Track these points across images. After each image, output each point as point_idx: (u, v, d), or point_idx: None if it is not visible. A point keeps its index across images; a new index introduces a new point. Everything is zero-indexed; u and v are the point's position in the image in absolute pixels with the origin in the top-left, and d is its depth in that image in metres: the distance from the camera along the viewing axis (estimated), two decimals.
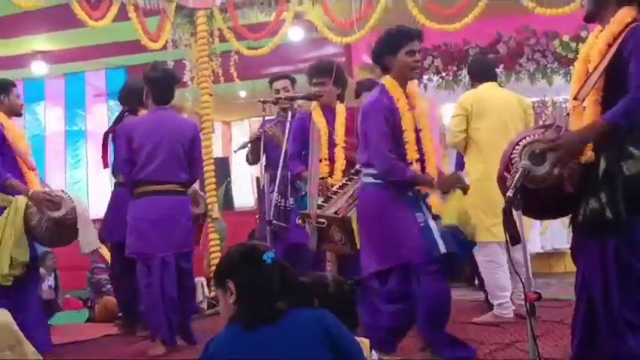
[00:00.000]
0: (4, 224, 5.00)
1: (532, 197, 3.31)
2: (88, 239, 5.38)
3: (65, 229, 5.16)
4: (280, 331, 2.34)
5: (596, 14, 3.55)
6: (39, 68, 9.71)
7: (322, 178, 5.10)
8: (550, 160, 3.31)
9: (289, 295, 2.42)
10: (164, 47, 7.80)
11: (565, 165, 3.35)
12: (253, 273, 2.42)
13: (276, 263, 2.44)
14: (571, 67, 8.79)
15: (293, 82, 6.21)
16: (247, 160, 6.36)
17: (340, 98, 5.42)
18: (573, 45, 8.62)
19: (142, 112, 5.81)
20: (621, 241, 3.33)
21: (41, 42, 9.44)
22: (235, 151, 6.44)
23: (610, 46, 3.39)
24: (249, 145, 6.06)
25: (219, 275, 2.49)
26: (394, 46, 4.31)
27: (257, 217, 4.70)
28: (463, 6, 7.23)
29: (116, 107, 8.46)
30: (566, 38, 8.68)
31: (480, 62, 6.16)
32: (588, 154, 3.38)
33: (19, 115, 5.65)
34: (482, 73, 5.74)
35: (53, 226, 5.10)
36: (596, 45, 3.48)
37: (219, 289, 2.48)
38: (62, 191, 5.32)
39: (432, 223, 4.07)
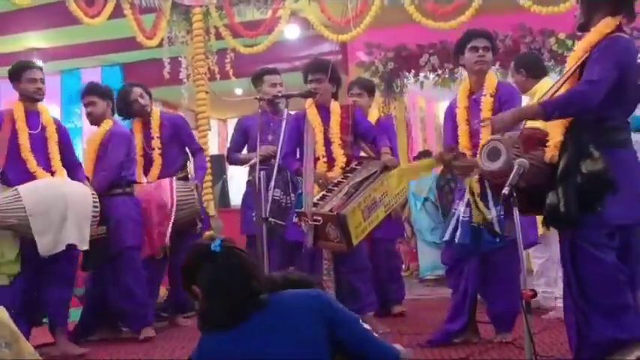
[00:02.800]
0: None
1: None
2: (56, 239, 4.92)
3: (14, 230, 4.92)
4: (270, 316, 2.32)
5: (586, 25, 3.63)
6: None
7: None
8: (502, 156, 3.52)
9: (264, 279, 2.41)
10: (160, 44, 7.81)
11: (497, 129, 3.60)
12: (209, 267, 2.38)
13: (227, 248, 2.40)
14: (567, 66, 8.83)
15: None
16: (230, 161, 6.41)
17: (335, 96, 5.42)
18: (569, 43, 8.64)
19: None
20: (575, 236, 3.46)
21: (37, 39, 9.43)
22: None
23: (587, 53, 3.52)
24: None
25: (185, 287, 2.47)
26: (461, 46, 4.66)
27: (253, 214, 4.69)
28: (459, 4, 7.24)
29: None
30: (562, 36, 8.69)
31: (535, 57, 6.14)
32: (552, 153, 3.51)
33: (35, 100, 5.24)
34: (540, 68, 5.72)
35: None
36: (575, 53, 3.62)
37: (196, 301, 2.47)
38: (15, 189, 4.90)
39: None
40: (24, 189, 4.89)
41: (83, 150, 5.69)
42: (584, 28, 3.63)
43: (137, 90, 6.02)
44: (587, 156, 3.39)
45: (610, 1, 3.53)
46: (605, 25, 3.50)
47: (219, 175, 10.91)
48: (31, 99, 5.22)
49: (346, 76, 8.59)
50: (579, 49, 3.57)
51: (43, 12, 8.11)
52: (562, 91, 3.56)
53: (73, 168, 5.39)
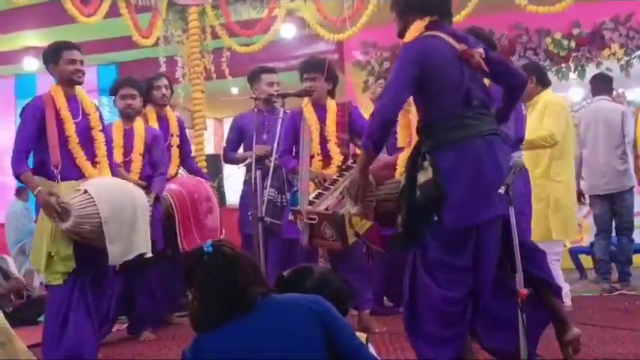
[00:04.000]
0: (41, 218, 4.50)
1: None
2: (126, 245, 4.51)
3: (85, 237, 4.38)
4: (266, 317, 2.32)
5: (403, 32, 3.57)
6: (30, 64, 9.66)
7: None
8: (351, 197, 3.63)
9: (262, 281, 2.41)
10: (156, 44, 7.81)
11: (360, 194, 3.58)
12: (200, 269, 2.38)
13: (218, 248, 2.39)
14: (563, 65, 8.84)
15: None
16: (226, 159, 6.40)
17: (331, 94, 5.42)
18: (565, 43, 8.66)
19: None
20: (416, 256, 3.45)
21: (33, 38, 9.40)
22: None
23: None
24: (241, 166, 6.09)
25: (189, 291, 2.50)
26: None
27: (249, 213, 4.69)
28: (455, 4, 7.22)
29: (107, 103, 8.44)
30: (557, 36, 8.71)
31: (543, 67, 6.23)
32: (400, 171, 3.59)
33: (75, 83, 4.61)
34: (547, 78, 5.85)
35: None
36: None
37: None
38: (85, 191, 4.35)
39: None
40: (95, 190, 4.35)
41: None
42: (401, 35, 3.57)
43: (165, 80, 6.11)
44: (420, 168, 3.39)
45: (416, 5, 3.51)
46: (414, 29, 3.47)
47: (215, 174, 10.90)
48: (70, 81, 4.58)
49: (343, 76, 8.59)
50: None
51: (39, 11, 8.10)
52: None
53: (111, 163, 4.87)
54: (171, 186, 5.87)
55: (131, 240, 4.48)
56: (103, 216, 4.27)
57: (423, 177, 3.36)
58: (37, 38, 9.45)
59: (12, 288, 6.96)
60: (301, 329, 2.29)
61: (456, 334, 3.37)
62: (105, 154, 4.65)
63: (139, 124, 5.63)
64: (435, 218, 3.32)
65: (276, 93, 5.46)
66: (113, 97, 5.71)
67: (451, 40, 3.45)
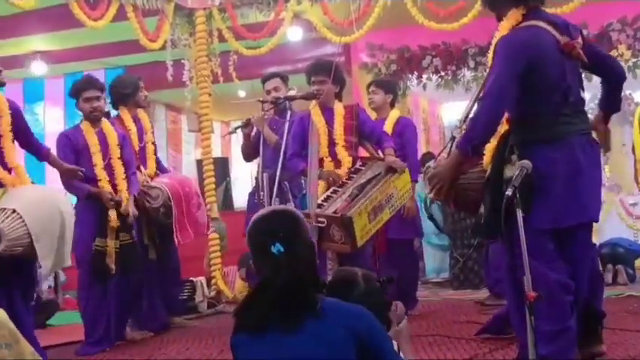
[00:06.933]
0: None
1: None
2: (58, 258, 4.46)
3: (18, 258, 4.31)
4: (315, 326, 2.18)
5: (498, 18, 3.46)
6: (38, 68, 9.70)
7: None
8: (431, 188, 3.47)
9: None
10: (163, 47, 7.80)
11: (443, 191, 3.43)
12: (261, 262, 2.28)
13: (285, 255, 2.23)
14: None
15: (284, 79, 6.02)
16: (243, 154, 6.35)
17: (338, 97, 5.42)
18: None
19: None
20: (505, 242, 3.34)
21: (40, 42, 9.43)
22: (229, 133, 6.42)
23: None
24: (239, 129, 6.05)
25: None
26: None
27: None
28: (462, 5, 7.23)
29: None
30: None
31: None
32: (487, 161, 3.41)
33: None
34: None
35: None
36: (490, 51, 3.45)
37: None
38: (13, 211, 4.21)
39: None
40: (22, 208, 4.24)
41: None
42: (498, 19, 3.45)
43: (141, 82, 6.12)
44: (508, 160, 3.26)
45: None
46: (509, 19, 3.35)
47: (223, 178, 10.92)
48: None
49: (350, 78, 8.59)
50: (492, 48, 3.41)
51: (47, 15, 8.11)
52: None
53: (39, 149, 4.84)
54: (164, 180, 5.93)
55: (62, 252, 4.46)
56: (33, 234, 4.22)
57: (510, 171, 3.21)
58: (44, 42, 9.48)
59: None
60: (336, 343, 2.17)
61: (568, 327, 3.25)
62: (16, 160, 4.53)
63: (107, 126, 5.52)
64: (522, 215, 3.14)
65: (282, 96, 5.48)
66: (75, 101, 5.50)
67: (553, 30, 3.30)
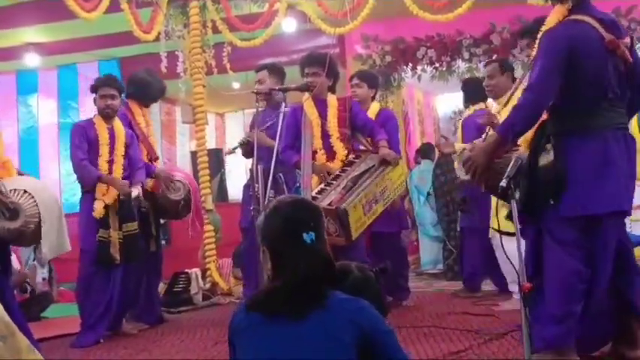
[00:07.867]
0: None
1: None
2: (59, 242, 4.64)
3: (26, 237, 4.49)
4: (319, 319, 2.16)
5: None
6: (32, 60, 9.65)
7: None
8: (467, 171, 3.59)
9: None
10: (157, 39, 7.78)
11: (478, 173, 3.53)
12: (290, 249, 2.23)
13: (315, 244, 2.21)
14: None
15: (273, 71, 6.01)
16: (242, 152, 6.35)
17: (332, 89, 5.41)
18: None
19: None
20: (542, 227, 3.42)
21: (34, 34, 9.38)
22: (229, 153, 6.59)
23: None
24: (238, 149, 6.08)
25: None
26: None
27: (251, 208, 4.69)
28: None
29: None
30: None
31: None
32: (521, 150, 3.49)
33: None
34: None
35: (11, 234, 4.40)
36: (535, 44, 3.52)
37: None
38: (25, 191, 4.43)
39: None
40: (33, 191, 4.45)
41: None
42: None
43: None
44: (543, 150, 3.36)
45: None
46: (555, 14, 3.44)
47: (217, 169, 10.90)
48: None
49: (344, 70, 8.58)
50: (536, 42, 3.49)
51: (40, 6, 8.08)
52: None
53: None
54: (179, 174, 6.12)
55: (62, 236, 4.65)
56: (42, 215, 4.39)
57: (545, 159, 3.33)
58: (38, 34, 9.43)
59: (15, 282, 6.98)
60: (340, 342, 2.14)
61: (574, 311, 3.31)
62: (3, 154, 4.64)
63: (118, 125, 5.69)
64: (552, 202, 3.29)
65: (277, 88, 5.46)
66: (94, 96, 5.66)
67: (599, 27, 3.35)
